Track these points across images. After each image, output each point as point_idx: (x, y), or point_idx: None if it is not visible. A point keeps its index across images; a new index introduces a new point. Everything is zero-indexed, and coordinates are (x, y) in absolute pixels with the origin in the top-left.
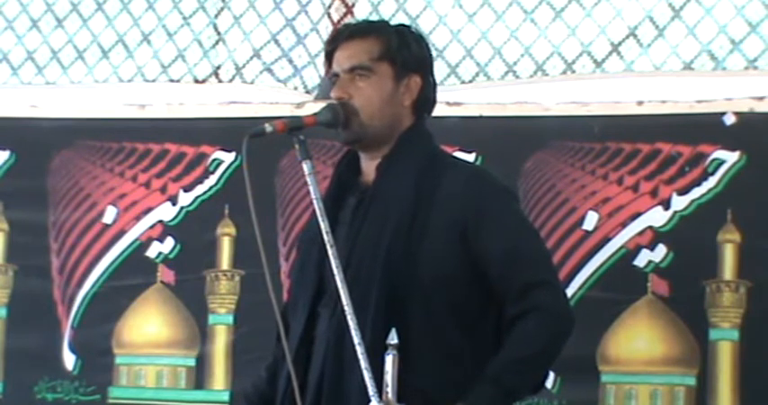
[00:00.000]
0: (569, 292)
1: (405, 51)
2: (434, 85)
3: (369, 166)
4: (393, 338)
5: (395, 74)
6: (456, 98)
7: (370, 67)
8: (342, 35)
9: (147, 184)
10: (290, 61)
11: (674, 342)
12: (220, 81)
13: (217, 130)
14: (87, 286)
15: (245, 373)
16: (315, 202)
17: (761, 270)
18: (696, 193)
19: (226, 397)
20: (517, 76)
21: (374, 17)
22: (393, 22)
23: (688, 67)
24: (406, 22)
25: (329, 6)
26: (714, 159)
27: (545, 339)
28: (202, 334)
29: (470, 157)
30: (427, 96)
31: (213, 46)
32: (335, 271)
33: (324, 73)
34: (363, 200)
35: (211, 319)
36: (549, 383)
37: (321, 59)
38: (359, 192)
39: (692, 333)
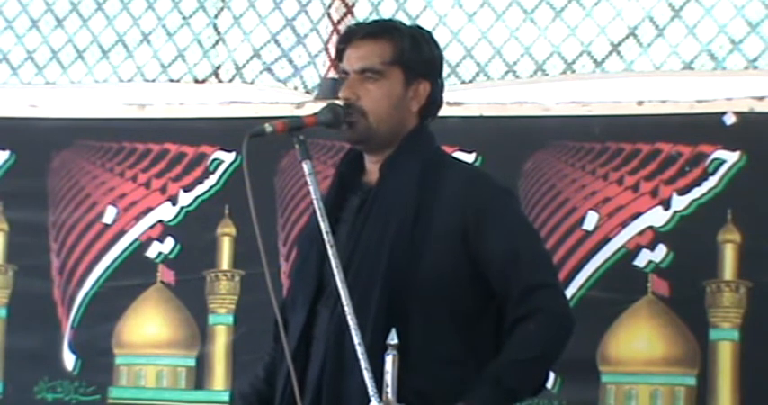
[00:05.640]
0: (569, 292)
1: (417, 57)
2: (442, 87)
3: (372, 166)
4: (393, 338)
5: (405, 79)
6: (456, 98)
7: (381, 70)
8: (356, 34)
9: (147, 184)
10: (290, 61)
11: (674, 342)
12: (220, 81)
13: (217, 130)
14: (87, 286)
15: (245, 373)
16: (315, 202)
17: (761, 270)
18: (696, 193)
19: (226, 397)
20: (517, 76)
21: (374, 17)
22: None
23: (688, 67)
24: (406, 22)
25: (329, 6)
26: (714, 159)
27: (546, 341)
28: (202, 334)
29: (470, 158)
30: (435, 101)
31: (213, 46)
32: (335, 271)
33: (326, 71)
34: (366, 200)
35: (211, 319)
36: (549, 383)
37: (321, 59)
38: (361, 192)
39: (692, 333)
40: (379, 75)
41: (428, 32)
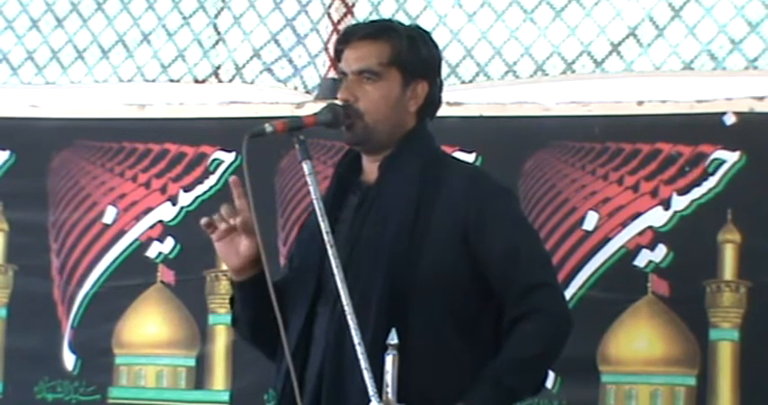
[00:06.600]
0: (569, 292)
1: (414, 57)
2: (441, 87)
3: (370, 166)
4: (393, 338)
5: (403, 80)
6: (456, 98)
7: (379, 72)
8: (353, 35)
9: (147, 184)
10: (290, 61)
11: (674, 342)
12: (220, 81)
13: (217, 130)
14: (87, 286)
15: (245, 373)
16: (315, 202)
17: (761, 270)
18: (696, 193)
19: (226, 397)
20: (517, 76)
21: (374, 17)
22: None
23: (688, 67)
24: (406, 22)
25: (329, 6)
26: (714, 159)
27: (545, 341)
28: (202, 334)
29: (470, 158)
30: (433, 101)
31: (213, 46)
32: (335, 271)
33: (326, 71)
34: (365, 199)
35: (211, 319)
36: (549, 383)
37: (321, 59)
38: (360, 191)
39: (692, 333)
40: (377, 76)
41: (426, 32)
